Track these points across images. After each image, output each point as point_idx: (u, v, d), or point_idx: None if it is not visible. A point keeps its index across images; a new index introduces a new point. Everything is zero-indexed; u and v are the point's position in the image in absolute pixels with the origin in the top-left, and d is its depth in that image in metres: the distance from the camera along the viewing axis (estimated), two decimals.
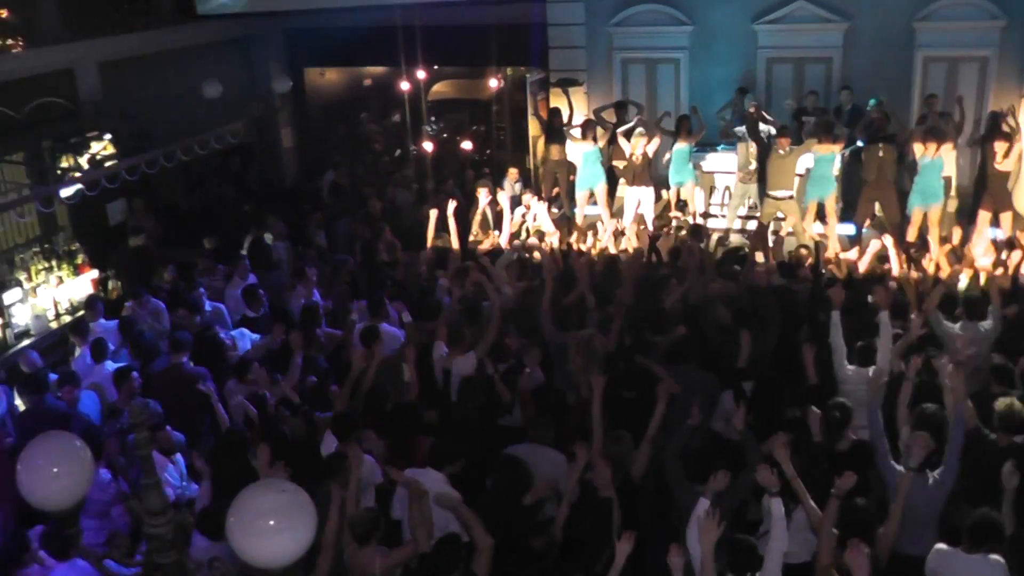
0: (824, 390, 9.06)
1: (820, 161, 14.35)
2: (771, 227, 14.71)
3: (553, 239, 13.58)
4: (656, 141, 15.44)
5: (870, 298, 10.26)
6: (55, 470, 3.60)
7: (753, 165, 15.09)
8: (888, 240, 11.87)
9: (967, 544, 6.54)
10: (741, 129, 15.26)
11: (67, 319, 12.70)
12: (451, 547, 6.62)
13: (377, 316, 10.66)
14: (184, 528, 3.67)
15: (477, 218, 14.55)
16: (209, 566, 3.65)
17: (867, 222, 14.60)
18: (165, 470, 8.08)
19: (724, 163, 16.13)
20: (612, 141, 16.19)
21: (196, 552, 6.53)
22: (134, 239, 14.53)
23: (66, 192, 12.37)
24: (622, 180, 15.91)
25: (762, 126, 15.12)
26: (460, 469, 7.75)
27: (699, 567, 6.36)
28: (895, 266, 11.59)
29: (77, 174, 12.99)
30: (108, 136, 13.74)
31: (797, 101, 16.45)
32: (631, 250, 12.99)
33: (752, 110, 15.31)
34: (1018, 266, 11.15)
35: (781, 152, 14.27)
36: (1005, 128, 14.24)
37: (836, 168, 14.65)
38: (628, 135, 15.55)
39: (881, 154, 14.25)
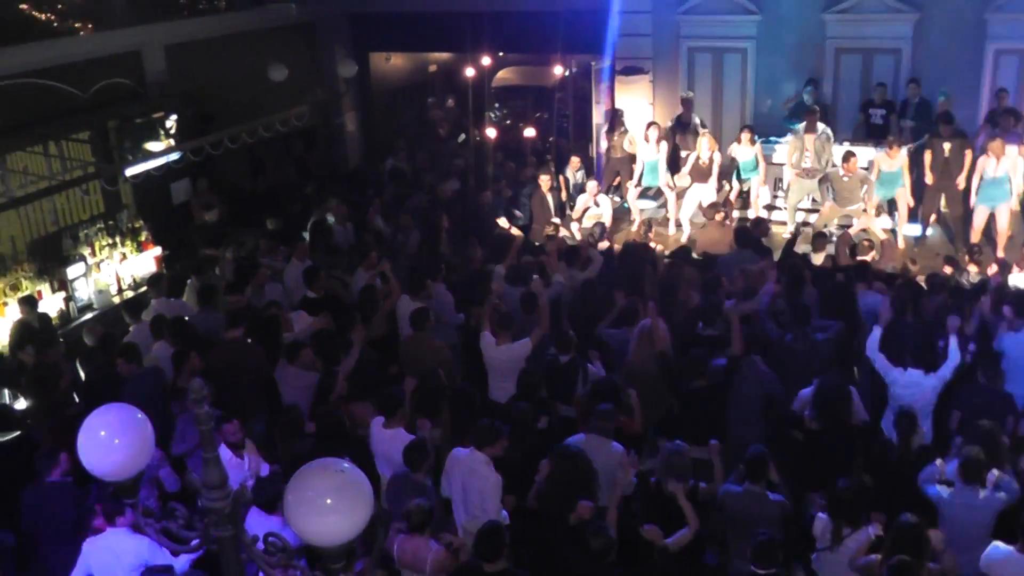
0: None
1: (885, 177, 14.22)
2: (835, 223, 14.57)
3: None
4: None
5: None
6: (116, 441, 3.61)
7: (807, 162, 14.86)
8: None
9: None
10: (800, 126, 15.03)
11: (129, 294, 12.85)
12: (495, 535, 6.63)
13: (426, 299, 10.73)
14: (242, 503, 3.64)
15: (537, 205, 14.52)
16: (265, 541, 3.63)
17: (932, 219, 14.38)
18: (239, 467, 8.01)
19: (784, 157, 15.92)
20: (678, 131, 16.10)
21: (249, 525, 6.61)
22: (208, 214, 14.65)
23: (131, 171, 12.49)
24: (686, 179, 15.76)
25: (820, 125, 14.93)
26: (503, 451, 7.76)
27: None
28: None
29: (142, 154, 13.07)
30: (173, 117, 13.82)
31: (791, 100, 16.23)
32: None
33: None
34: None
35: (845, 178, 14.10)
36: None
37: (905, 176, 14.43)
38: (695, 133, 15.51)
39: (947, 149, 14.00)
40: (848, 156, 14.18)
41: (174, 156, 12.57)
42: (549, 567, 7.08)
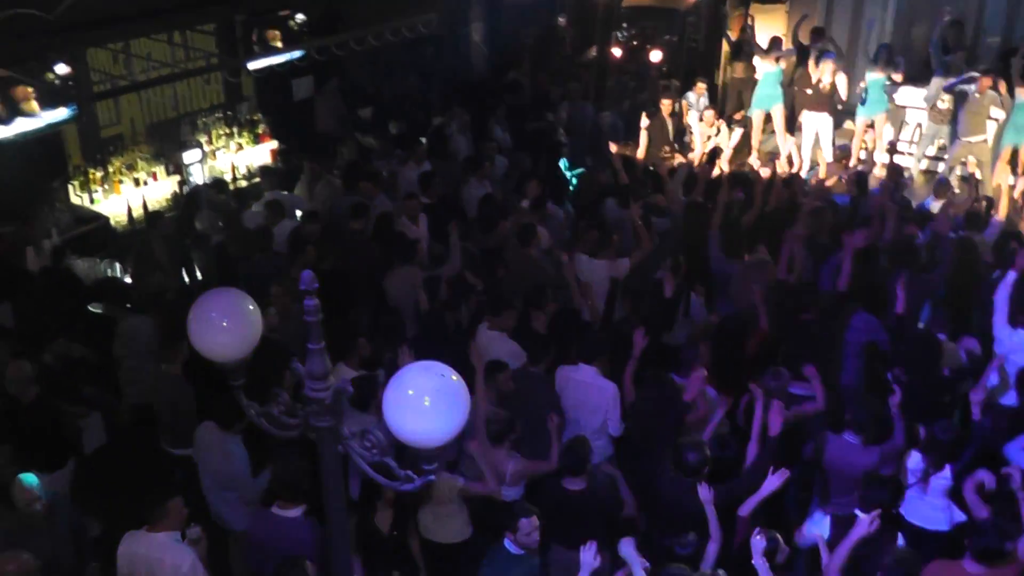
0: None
1: (1019, 108, 13.56)
2: (959, 171, 14.08)
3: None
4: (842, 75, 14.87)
5: None
6: (224, 323, 3.67)
7: (944, 104, 14.34)
8: None
9: None
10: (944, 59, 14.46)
11: (243, 184, 13.04)
12: (579, 449, 6.66)
13: (536, 214, 10.67)
14: (343, 396, 3.69)
15: (657, 129, 14.30)
16: (362, 436, 3.67)
17: None
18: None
19: (918, 98, 15.34)
20: (801, 64, 15.61)
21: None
22: (362, 111, 14.73)
23: (253, 65, 12.58)
24: (803, 107, 15.34)
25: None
26: (607, 367, 7.79)
27: None
28: None
29: (265, 49, 13.14)
30: (300, 15, 13.83)
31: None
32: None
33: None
34: None
35: (977, 95, 13.54)
36: None
37: None
38: (817, 60, 14.96)
39: None
40: (985, 73, 13.67)
41: (298, 54, 12.61)
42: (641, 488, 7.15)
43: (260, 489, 7.07)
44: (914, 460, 7.20)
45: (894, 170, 13.16)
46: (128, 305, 9.49)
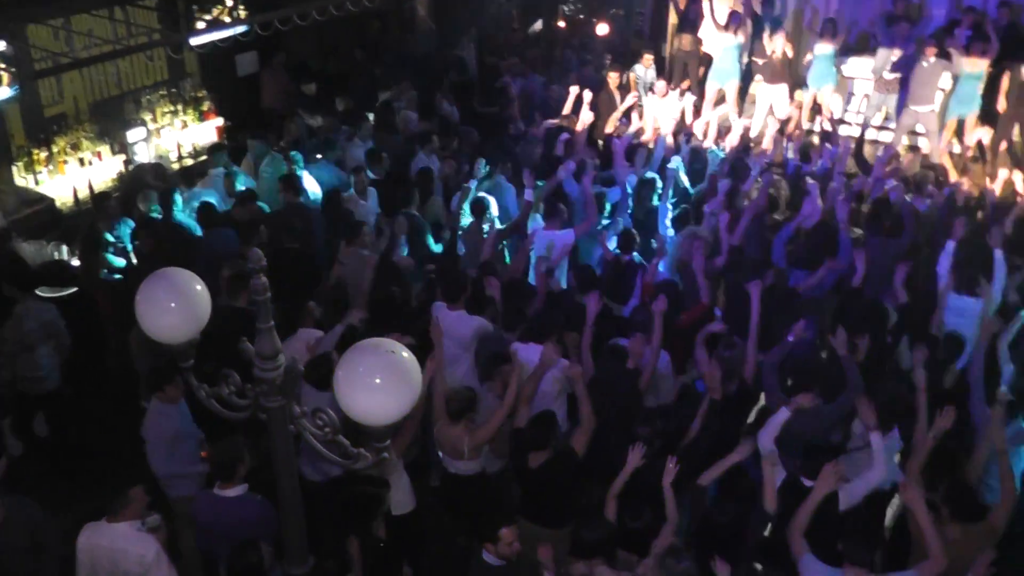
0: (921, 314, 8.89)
1: (966, 78, 13.72)
2: (906, 140, 14.22)
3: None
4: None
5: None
6: (172, 305, 3.63)
7: (890, 75, 14.49)
8: None
9: None
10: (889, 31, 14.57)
11: (189, 162, 12.91)
12: (546, 423, 6.67)
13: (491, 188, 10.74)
14: (294, 375, 3.66)
15: (605, 102, 14.31)
16: (313, 414, 3.66)
17: (1003, 146, 13.97)
18: None
19: (864, 69, 15.46)
20: (756, 36, 15.67)
21: (304, 399, 6.70)
22: (306, 87, 14.57)
23: (196, 41, 12.42)
24: (757, 77, 15.43)
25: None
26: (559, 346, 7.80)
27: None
28: None
29: (208, 24, 12.99)
30: None
31: None
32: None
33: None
34: None
35: (925, 64, 13.66)
36: None
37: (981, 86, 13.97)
38: (771, 32, 15.02)
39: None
40: (929, 41, 13.77)
41: (241, 29, 12.47)
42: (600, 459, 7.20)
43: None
44: (860, 424, 7.29)
45: (838, 139, 13.25)
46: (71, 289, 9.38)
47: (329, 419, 3.60)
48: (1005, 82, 13.73)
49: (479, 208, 10.10)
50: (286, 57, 15.01)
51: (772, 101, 15.09)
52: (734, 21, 15.01)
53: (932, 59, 13.63)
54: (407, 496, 7.13)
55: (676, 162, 11.92)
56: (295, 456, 3.92)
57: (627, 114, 14.12)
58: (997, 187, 11.56)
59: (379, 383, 3.36)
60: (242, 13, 13.39)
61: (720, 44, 15.27)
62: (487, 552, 5.91)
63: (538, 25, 18.52)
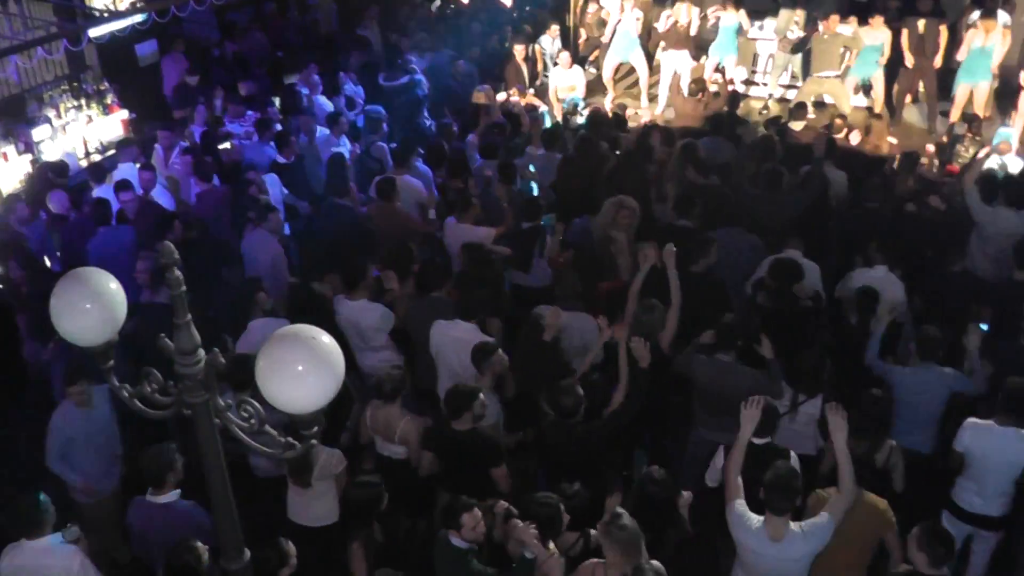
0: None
1: (866, 50, 14.07)
2: (812, 97, 14.49)
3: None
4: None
5: None
6: (88, 306, 3.57)
7: (794, 32, 14.74)
8: None
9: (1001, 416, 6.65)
10: None
11: (97, 158, 12.67)
12: (466, 393, 6.77)
13: (402, 167, 10.64)
14: (216, 369, 3.64)
15: (512, 74, 14.34)
16: (238, 407, 3.64)
17: (908, 99, 14.34)
18: None
19: (768, 31, 15.69)
20: (657, 4, 15.83)
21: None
22: (189, 78, 14.28)
23: (94, 32, 12.19)
24: (661, 44, 15.56)
25: None
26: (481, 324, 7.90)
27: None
28: None
29: (106, 13, 12.74)
30: None
31: None
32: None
33: None
34: None
35: (825, 36, 13.92)
36: None
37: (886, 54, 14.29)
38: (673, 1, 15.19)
39: (922, 29, 13.86)
40: (829, 14, 14.01)
41: (139, 17, 12.25)
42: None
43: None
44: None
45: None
46: None
47: (255, 410, 3.59)
48: (904, 39, 14.03)
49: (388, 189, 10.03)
50: (186, 43, 14.77)
51: (676, 67, 15.24)
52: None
53: (832, 31, 13.90)
54: (334, 505, 7.01)
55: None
56: (222, 451, 3.89)
57: (533, 83, 14.20)
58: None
59: (301, 370, 3.34)
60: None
61: (621, 13, 15.37)
62: (453, 536, 5.92)
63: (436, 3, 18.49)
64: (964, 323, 7.77)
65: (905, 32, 14.13)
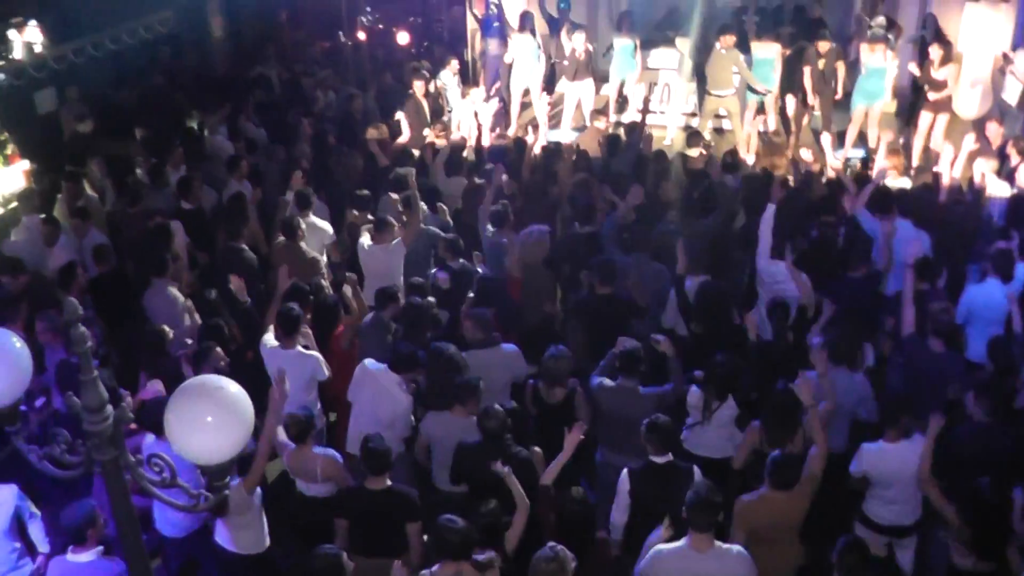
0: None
1: (760, 63, 14.36)
2: (711, 124, 14.77)
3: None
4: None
5: None
6: None
7: (689, 63, 15.12)
8: None
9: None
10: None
11: (0, 211, 12.42)
12: (383, 451, 6.70)
13: (305, 210, 10.67)
14: (123, 424, 3.63)
15: (413, 112, 14.38)
16: (149, 463, 3.64)
17: (805, 121, 14.69)
18: None
19: (668, 60, 16.01)
20: (553, 35, 16.04)
21: (146, 448, 6.60)
22: (81, 125, 13.94)
23: None
24: (563, 77, 15.77)
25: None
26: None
27: None
28: None
29: (1, 62, 12.57)
30: (33, 22, 13.25)
31: None
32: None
33: None
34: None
35: (723, 51, 14.22)
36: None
37: (778, 69, 14.62)
38: (569, 32, 15.40)
39: (824, 50, 14.22)
40: (725, 30, 14.20)
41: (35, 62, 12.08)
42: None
43: None
44: (694, 395, 7.59)
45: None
46: None
47: (166, 463, 3.59)
48: (805, 61, 14.35)
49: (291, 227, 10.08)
50: (81, 91, 14.56)
51: (580, 96, 15.48)
52: (527, 22, 15.32)
53: (727, 48, 14.19)
54: (260, 535, 6.99)
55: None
56: (133, 507, 3.87)
57: (435, 120, 14.28)
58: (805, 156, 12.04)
59: (211, 421, 3.37)
60: (37, 48, 12.98)
61: (520, 46, 15.55)
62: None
63: (341, 37, 18.49)
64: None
65: (806, 55, 14.39)
